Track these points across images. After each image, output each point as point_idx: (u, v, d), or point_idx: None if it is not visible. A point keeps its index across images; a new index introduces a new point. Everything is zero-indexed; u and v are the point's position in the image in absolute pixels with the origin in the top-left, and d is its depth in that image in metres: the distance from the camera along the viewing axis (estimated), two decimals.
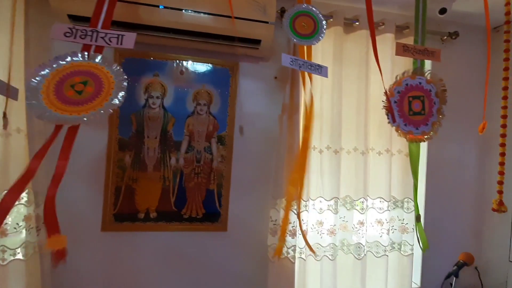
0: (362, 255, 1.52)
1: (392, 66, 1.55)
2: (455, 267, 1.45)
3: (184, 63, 1.43)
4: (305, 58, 1.10)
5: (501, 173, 1.33)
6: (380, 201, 1.56)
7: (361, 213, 1.52)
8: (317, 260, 1.54)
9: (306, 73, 1.11)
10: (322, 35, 1.05)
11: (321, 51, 1.54)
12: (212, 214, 1.45)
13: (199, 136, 1.43)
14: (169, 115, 1.41)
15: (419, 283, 1.70)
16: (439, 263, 1.68)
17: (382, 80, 1.18)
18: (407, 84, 1.22)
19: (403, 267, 1.58)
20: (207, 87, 1.45)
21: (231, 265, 1.52)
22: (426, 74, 1.23)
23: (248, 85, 1.51)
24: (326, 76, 1.08)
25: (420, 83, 1.22)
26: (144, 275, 1.42)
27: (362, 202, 1.53)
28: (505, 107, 1.30)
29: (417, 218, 1.25)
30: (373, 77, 1.55)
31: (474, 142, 1.77)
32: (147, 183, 1.38)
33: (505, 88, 1.30)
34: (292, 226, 1.50)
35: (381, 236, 1.57)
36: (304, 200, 1.51)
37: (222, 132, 1.46)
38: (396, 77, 1.22)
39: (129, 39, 0.90)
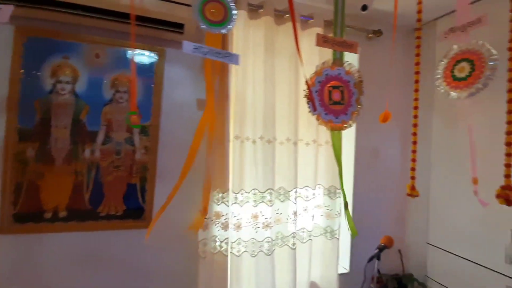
0: (295, 245, 1.54)
1: (320, 60, 1.59)
2: (377, 250, 1.53)
3: (102, 46, 1.31)
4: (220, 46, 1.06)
5: (413, 160, 1.44)
6: (307, 190, 1.60)
7: (294, 203, 1.54)
8: (253, 256, 1.52)
9: (215, 61, 1.07)
10: (231, 24, 1.02)
11: (253, 41, 1.53)
12: (134, 210, 1.35)
13: (119, 126, 1.32)
14: (82, 102, 1.27)
15: (348, 268, 1.78)
16: (366, 247, 1.77)
17: (303, 69, 1.20)
18: (327, 75, 1.25)
19: (330, 252, 1.64)
20: (128, 73, 1.34)
21: (159, 264, 1.43)
22: (344, 65, 1.27)
23: (174, 72, 1.43)
24: (237, 63, 1.05)
25: (339, 73, 1.26)
26: (58, 280, 1.27)
27: (295, 192, 1.56)
28: (416, 99, 1.41)
29: (345, 205, 1.29)
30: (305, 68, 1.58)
31: (398, 132, 1.90)
32: (55, 178, 1.23)
33: (416, 81, 1.41)
34: (225, 218, 1.46)
35: (309, 223, 1.62)
36: (235, 193, 1.48)
37: (146, 122, 1.37)
38: (317, 67, 1.25)
39: (4, 12, 0.78)
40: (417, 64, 1.44)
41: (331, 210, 1.63)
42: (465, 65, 1.27)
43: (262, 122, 1.51)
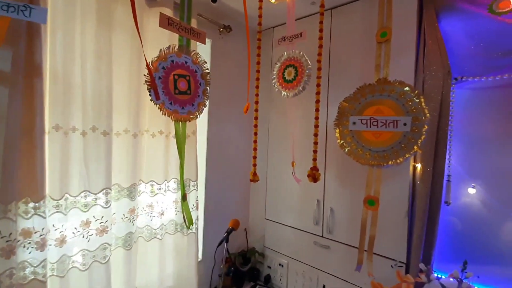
0: (130, 246, 1.39)
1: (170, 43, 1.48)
2: (226, 234, 1.64)
3: None
4: None
5: (255, 149, 1.61)
6: (152, 185, 1.48)
7: (132, 200, 1.37)
8: (84, 270, 1.25)
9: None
10: None
11: (80, 7, 1.20)
12: None
13: None
14: None
15: (201, 256, 1.82)
16: (219, 234, 1.87)
17: (143, 51, 1.05)
18: (172, 61, 1.16)
19: (189, 247, 1.62)
20: None
21: None
22: (192, 54, 1.22)
23: None
24: (43, 22, 0.78)
25: (186, 62, 1.20)
26: None
27: (137, 188, 1.40)
28: (257, 95, 1.56)
29: (183, 197, 1.26)
30: (150, 50, 1.41)
31: (245, 123, 2.09)
32: None
33: (257, 79, 1.56)
34: (41, 235, 1.11)
35: (151, 220, 1.51)
36: (55, 199, 1.15)
37: None
38: (160, 51, 1.13)
39: None
40: (258, 63, 1.59)
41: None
42: (291, 70, 1.52)
43: (95, 110, 1.24)
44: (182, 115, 1.18)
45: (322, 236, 1.73)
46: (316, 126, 1.47)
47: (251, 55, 1.95)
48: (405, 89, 1.20)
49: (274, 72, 1.60)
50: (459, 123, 1.36)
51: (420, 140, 1.14)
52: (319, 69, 1.45)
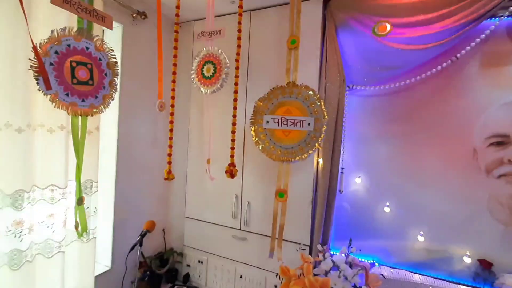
0: (23, 264, 1.17)
1: (70, 24, 1.27)
2: (139, 237, 1.54)
3: None
4: None
5: (170, 146, 1.55)
6: (52, 190, 1.26)
7: (18, 210, 1.14)
8: None
9: None
10: None
11: None
12: None
13: None
14: None
15: (110, 264, 1.66)
16: (131, 238, 1.74)
17: (28, 29, 0.88)
18: (68, 46, 1.00)
19: (88, 256, 1.44)
20: None
21: None
22: (94, 39, 1.09)
23: None
24: None
25: (87, 48, 1.06)
26: None
27: (22, 195, 1.16)
28: (173, 89, 1.50)
29: (79, 201, 1.12)
30: (41, 29, 1.18)
31: (164, 118, 1.97)
32: None
33: (174, 73, 1.50)
34: None
35: (53, 232, 1.29)
36: None
37: None
38: (52, 32, 0.97)
39: None
40: (175, 57, 1.53)
41: (87, 208, 1.40)
42: (210, 66, 1.52)
43: None
44: (82, 108, 1.04)
45: (240, 229, 1.80)
46: (234, 124, 1.52)
47: (168, 47, 1.87)
48: (309, 92, 1.35)
49: (193, 67, 1.57)
50: (350, 124, 1.61)
51: (320, 138, 1.31)
52: (237, 68, 1.49)
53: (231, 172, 1.48)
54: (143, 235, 1.57)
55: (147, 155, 1.90)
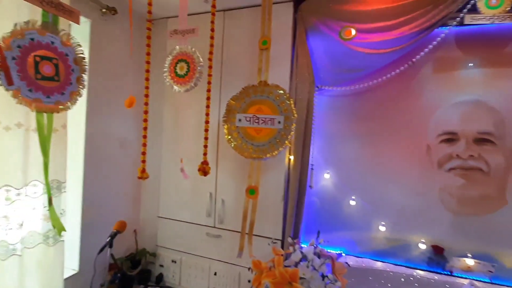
0: None
1: (33, 16, 1.22)
2: (109, 238, 1.50)
3: None
4: None
5: (144, 144, 1.53)
6: (7, 191, 1.20)
7: None
8: None
9: None
10: None
11: None
12: None
13: None
14: None
15: (77, 268, 1.61)
16: (101, 240, 1.69)
17: None
18: (32, 39, 0.97)
19: (54, 260, 1.38)
20: None
21: None
22: (60, 34, 1.06)
23: None
24: None
25: (52, 42, 1.03)
26: None
27: None
28: (147, 87, 1.49)
29: (49, 201, 1.08)
30: (4, 23, 1.12)
31: (134, 118, 1.94)
32: None
33: (147, 71, 1.49)
34: None
35: (7, 234, 1.22)
36: None
37: None
38: (16, 25, 0.93)
39: None
40: (148, 54, 1.52)
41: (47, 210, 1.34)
42: (183, 65, 1.52)
43: None
44: (47, 105, 1.01)
45: (214, 227, 1.82)
46: (207, 122, 1.54)
47: (140, 44, 1.84)
48: (280, 92, 1.41)
49: (166, 65, 1.56)
50: (319, 123, 1.70)
51: (289, 136, 1.37)
52: (210, 67, 1.51)
53: (204, 170, 1.49)
54: (113, 236, 1.53)
55: (118, 154, 1.86)
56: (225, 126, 1.52)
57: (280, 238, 1.62)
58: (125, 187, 1.92)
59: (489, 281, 1.34)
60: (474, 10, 1.31)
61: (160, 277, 1.97)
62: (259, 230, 1.61)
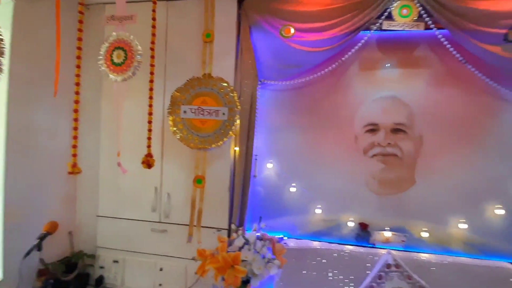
0: None
1: None
2: (37, 240, 1.37)
3: None
4: None
5: (75, 137, 1.43)
6: None
7: None
8: None
9: None
10: None
11: None
12: None
13: None
14: None
15: (1, 275, 1.43)
16: (28, 243, 1.52)
17: None
18: None
19: None
20: None
21: None
22: None
23: None
24: None
25: None
26: None
27: None
28: (78, 75, 1.39)
29: None
30: None
31: (65, 109, 1.77)
32: None
33: (78, 57, 1.39)
34: None
35: None
36: None
37: None
38: None
39: None
40: (80, 39, 1.42)
41: None
42: (121, 52, 1.45)
43: None
44: None
45: (159, 222, 1.78)
46: (150, 114, 1.50)
47: (72, 29, 1.69)
48: (223, 84, 1.45)
49: (101, 53, 1.47)
50: (263, 115, 1.78)
51: (233, 127, 1.42)
52: (152, 57, 1.48)
53: (148, 162, 1.46)
54: (41, 238, 1.40)
55: (48, 148, 1.69)
56: (170, 118, 1.51)
57: (227, 227, 1.67)
58: (56, 185, 1.75)
59: (403, 249, 1.58)
60: (390, 17, 1.53)
61: (100, 279, 1.85)
62: (207, 221, 1.63)
